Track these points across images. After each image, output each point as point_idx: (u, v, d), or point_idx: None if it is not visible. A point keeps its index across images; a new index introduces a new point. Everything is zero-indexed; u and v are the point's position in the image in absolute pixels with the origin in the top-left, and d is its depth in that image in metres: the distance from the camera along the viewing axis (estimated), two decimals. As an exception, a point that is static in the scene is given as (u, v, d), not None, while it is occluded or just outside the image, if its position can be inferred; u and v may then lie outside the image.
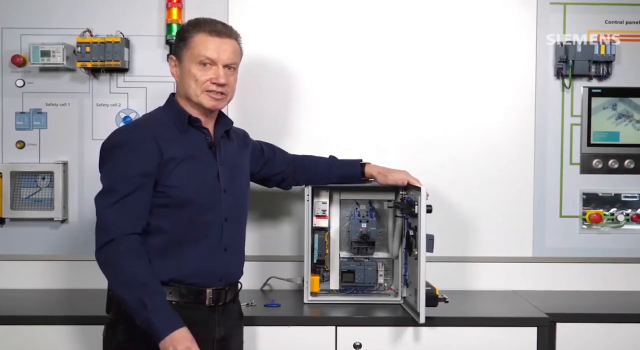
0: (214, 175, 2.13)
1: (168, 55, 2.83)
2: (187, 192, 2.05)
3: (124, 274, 1.95)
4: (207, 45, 2.11)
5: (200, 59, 2.10)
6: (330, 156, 2.60)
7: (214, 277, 2.11)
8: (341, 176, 2.55)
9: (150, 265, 1.98)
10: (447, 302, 2.42)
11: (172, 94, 2.22)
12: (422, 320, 2.32)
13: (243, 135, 2.41)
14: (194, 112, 2.15)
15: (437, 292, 2.39)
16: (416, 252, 2.38)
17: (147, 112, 2.41)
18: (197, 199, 2.07)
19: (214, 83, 2.11)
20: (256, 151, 2.48)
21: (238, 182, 2.22)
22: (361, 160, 2.56)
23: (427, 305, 2.33)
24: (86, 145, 2.87)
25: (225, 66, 2.13)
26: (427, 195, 2.35)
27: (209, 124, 2.19)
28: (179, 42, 2.16)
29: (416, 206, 2.37)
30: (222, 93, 2.13)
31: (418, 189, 2.36)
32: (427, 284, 2.40)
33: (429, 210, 2.36)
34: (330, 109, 2.90)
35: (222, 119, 2.24)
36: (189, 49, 2.11)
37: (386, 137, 2.91)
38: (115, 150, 2.04)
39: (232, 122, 2.27)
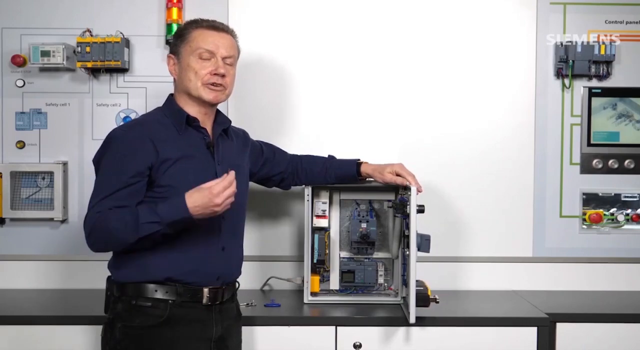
0: (212, 174, 2.12)
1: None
2: (184, 192, 2.04)
3: (119, 226, 1.97)
4: (205, 39, 2.13)
5: (200, 52, 2.12)
6: (329, 156, 2.60)
7: (212, 276, 2.11)
8: (338, 176, 2.55)
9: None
10: (438, 302, 2.40)
11: (171, 94, 2.22)
12: (412, 320, 2.31)
13: (243, 134, 2.42)
14: (193, 111, 2.15)
15: (430, 293, 2.38)
16: (407, 252, 2.38)
17: (146, 112, 2.41)
18: None
19: (214, 74, 2.12)
20: (255, 151, 2.48)
21: (237, 182, 2.21)
22: (358, 159, 2.56)
23: (418, 305, 2.31)
24: (86, 145, 2.87)
25: (223, 59, 2.14)
26: (419, 192, 2.33)
27: (207, 124, 2.19)
28: (176, 39, 2.19)
29: (408, 206, 2.36)
30: (221, 85, 2.14)
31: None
32: (422, 284, 2.39)
33: (422, 210, 2.35)
34: (330, 109, 2.90)
35: (219, 118, 2.24)
36: (188, 43, 2.14)
37: (386, 137, 2.91)
38: (110, 152, 2.05)
39: (230, 121, 2.28)
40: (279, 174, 2.55)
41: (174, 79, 2.21)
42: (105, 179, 2.04)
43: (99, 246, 2.05)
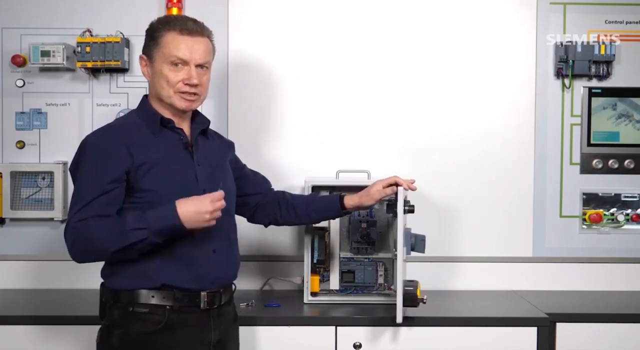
0: (192, 176, 2.07)
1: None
2: (164, 196, 1.98)
3: (104, 234, 1.91)
4: (178, 45, 2.04)
5: (172, 59, 2.04)
6: (312, 193, 2.56)
7: (206, 280, 2.06)
8: (320, 208, 2.41)
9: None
10: (425, 303, 2.37)
11: (145, 96, 2.16)
12: (399, 319, 2.30)
13: (228, 144, 2.36)
14: (167, 113, 2.09)
15: (419, 293, 2.34)
16: (396, 252, 2.37)
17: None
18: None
19: (186, 84, 2.05)
20: (237, 164, 2.39)
21: (221, 182, 2.14)
22: (341, 193, 2.42)
23: (406, 305, 2.31)
24: (86, 145, 2.86)
25: (197, 66, 2.06)
26: (414, 189, 2.32)
27: (184, 124, 2.13)
28: (149, 41, 2.09)
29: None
30: (195, 94, 2.07)
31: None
32: (414, 284, 2.37)
33: (411, 210, 2.35)
34: (331, 109, 2.90)
35: (198, 118, 2.18)
36: (160, 48, 2.05)
37: (385, 137, 2.91)
38: (85, 159, 1.99)
39: (209, 121, 2.21)
40: (254, 195, 2.41)
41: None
42: (82, 187, 1.98)
43: (83, 256, 1.98)
